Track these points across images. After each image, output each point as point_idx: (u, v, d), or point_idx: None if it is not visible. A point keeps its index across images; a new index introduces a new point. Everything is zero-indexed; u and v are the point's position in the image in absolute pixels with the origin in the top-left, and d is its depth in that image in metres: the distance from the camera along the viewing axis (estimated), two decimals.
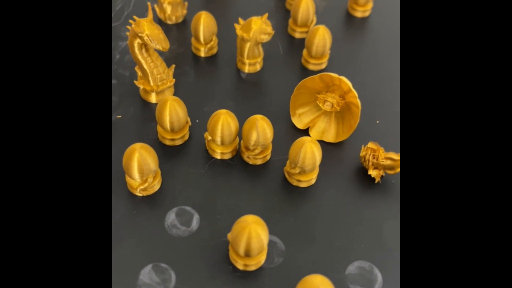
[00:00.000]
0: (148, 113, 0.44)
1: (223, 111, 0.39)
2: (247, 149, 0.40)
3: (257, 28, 0.45)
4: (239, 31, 0.46)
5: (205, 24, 0.47)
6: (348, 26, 0.55)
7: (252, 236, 0.32)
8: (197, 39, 0.49)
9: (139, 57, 0.42)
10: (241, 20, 0.46)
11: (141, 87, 0.44)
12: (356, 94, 0.41)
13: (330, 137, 0.43)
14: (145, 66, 0.42)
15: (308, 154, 0.37)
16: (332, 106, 0.42)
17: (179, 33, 0.52)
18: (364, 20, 0.56)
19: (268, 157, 0.41)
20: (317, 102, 0.43)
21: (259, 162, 0.41)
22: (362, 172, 0.41)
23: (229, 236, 0.34)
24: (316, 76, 0.42)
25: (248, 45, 0.46)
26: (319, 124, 0.44)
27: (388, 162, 0.39)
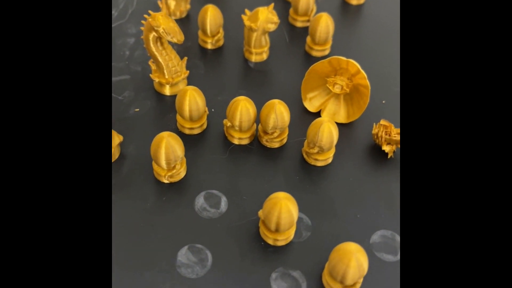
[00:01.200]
0: (164, 105, 0.45)
1: (242, 97, 0.41)
2: (265, 133, 0.42)
3: (264, 18, 0.47)
4: (246, 22, 0.47)
5: (212, 17, 0.49)
6: (345, 13, 0.57)
7: (283, 211, 0.34)
8: (204, 32, 0.50)
9: (154, 50, 0.43)
10: (247, 11, 0.48)
11: (157, 80, 0.45)
12: (365, 75, 0.43)
13: (341, 118, 0.45)
14: (160, 59, 0.43)
15: (326, 133, 0.39)
16: (342, 88, 0.44)
17: (184, 27, 0.53)
18: (359, 7, 0.58)
19: (285, 140, 0.43)
20: (327, 85, 0.45)
21: (276, 145, 0.43)
22: (374, 148, 0.43)
23: (260, 213, 0.35)
24: (325, 61, 0.44)
25: (255, 34, 0.48)
26: (329, 107, 0.46)
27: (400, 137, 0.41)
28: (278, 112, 0.40)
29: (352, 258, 0.31)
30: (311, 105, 0.46)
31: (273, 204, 0.34)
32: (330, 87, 0.45)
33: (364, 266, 0.31)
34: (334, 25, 0.52)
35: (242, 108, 0.40)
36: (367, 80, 0.43)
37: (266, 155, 0.42)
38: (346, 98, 0.46)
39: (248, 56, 0.50)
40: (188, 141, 0.43)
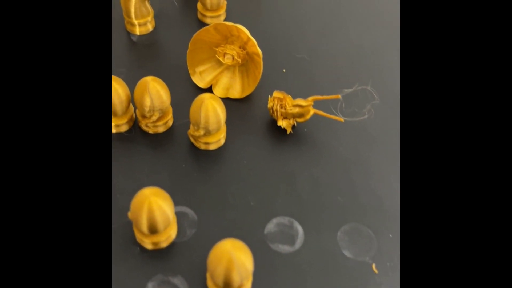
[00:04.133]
0: None
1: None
2: (144, 117, 0.36)
3: None
4: None
5: None
6: None
7: (154, 209, 0.28)
8: None
9: None
10: None
11: None
12: (255, 42, 0.37)
13: (235, 93, 0.40)
14: None
15: (210, 112, 0.34)
16: (233, 58, 0.39)
17: None
18: None
19: (171, 123, 0.38)
20: (216, 56, 0.39)
21: (161, 129, 0.37)
22: (273, 125, 0.38)
23: (130, 214, 0.30)
24: (210, 27, 0.38)
25: (133, 2, 0.41)
26: (222, 81, 0.40)
27: (297, 109, 0.36)
28: (153, 92, 0.34)
29: (229, 259, 0.26)
30: (201, 80, 0.40)
31: (140, 203, 0.28)
32: (220, 58, 0.39)
33: (246, 265, 0.27)
34: None
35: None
36: (258, 48, 0.38)
37: (148, 143, 0.37)
38: (241, 70, 0.40)
39: (130, 29, 0.44)
40: None
